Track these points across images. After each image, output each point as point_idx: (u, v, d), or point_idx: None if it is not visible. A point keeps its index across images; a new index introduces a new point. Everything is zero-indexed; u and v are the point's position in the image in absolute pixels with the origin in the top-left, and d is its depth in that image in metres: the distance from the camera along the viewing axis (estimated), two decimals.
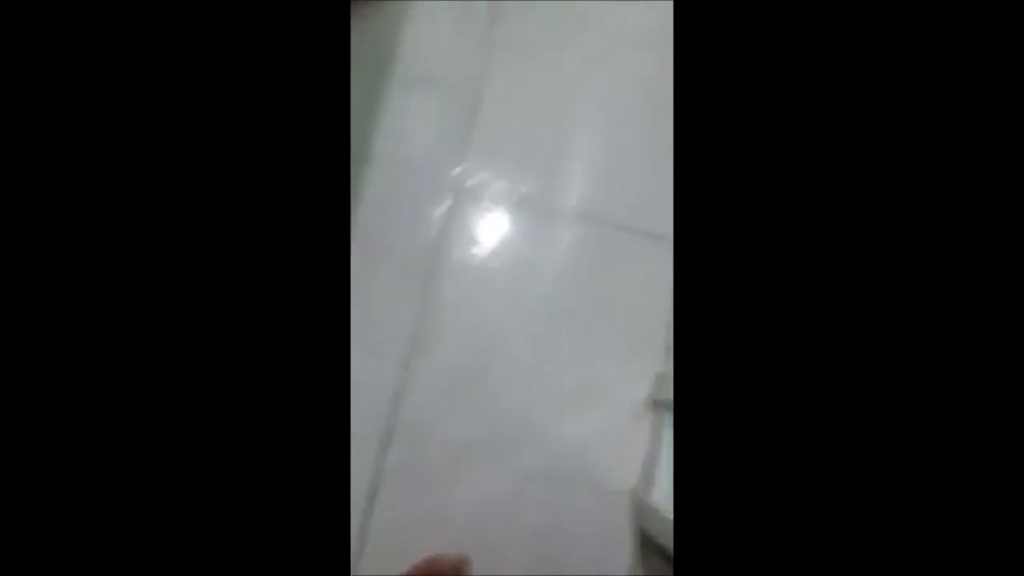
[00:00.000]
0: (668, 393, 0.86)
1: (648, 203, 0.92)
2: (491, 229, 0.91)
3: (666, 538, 0.76)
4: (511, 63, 0.93)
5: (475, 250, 0.90)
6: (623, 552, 0.89)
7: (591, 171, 0.93)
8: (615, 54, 0.95)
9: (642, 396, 0.91)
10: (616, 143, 0.94)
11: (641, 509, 0.87)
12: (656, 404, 0.90)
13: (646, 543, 0.86)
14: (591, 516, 0.89)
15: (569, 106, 0.94)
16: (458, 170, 0.91)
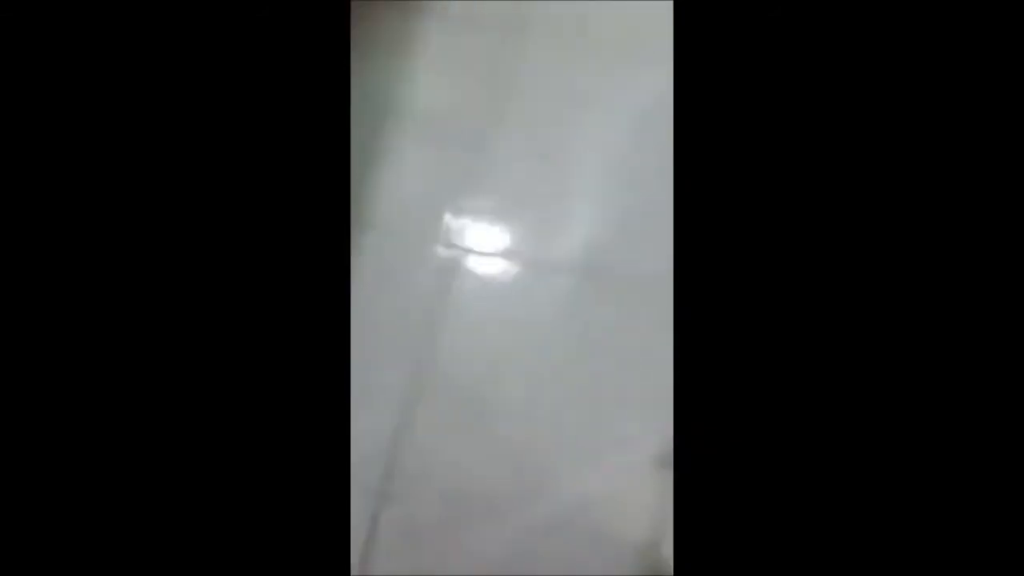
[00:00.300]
0: None
1: (653, 250, 0.91)
2: (492, 283, 0.92)
3: None
4: (514, 113, 0.94)
5: (475, 305, 0.91)
6: None
7: (595, 220, 0.93)
8: (620, 107, 0.95)
9: (653, 450, 0.90)
10: (620, 192, 0.93)
11: (653, 565, 0.84)
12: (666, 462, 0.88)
13: None
14: (599, 571, 0.87)
15: (572, 156, 0.94)
16: (457, 223, 0.93)
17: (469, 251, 0.92)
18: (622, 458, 0.90)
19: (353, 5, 0.42)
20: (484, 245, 0.93)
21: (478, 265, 0.93)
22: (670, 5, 0.86)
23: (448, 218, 0.93)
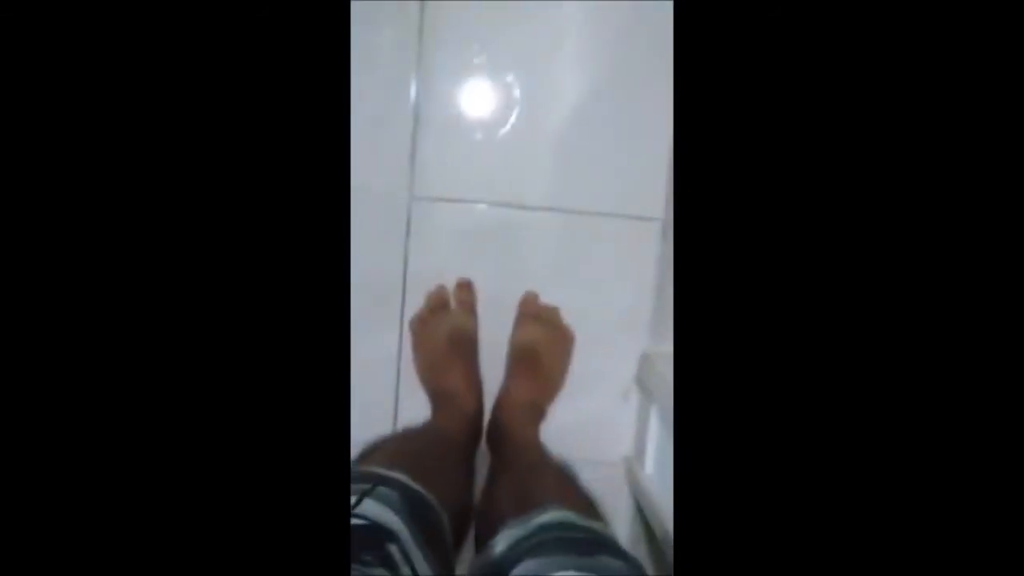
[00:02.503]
0: (652, 374, 0.89)
1: (620, 185, 0.93)
2: (458, 245, 0.92)
3: (655, 518, 0.80)
4: (449, 55, 0.90)
5: (445, 271, 0.92)
6: (623, 526, 0.94)
7: (549, 165, 0.92)
8: (566, 35, 0.93)
9: (630, 374, 0.95)
10: (578, 126, 0.91)
11: (634, 484, 0.91)
12: (641, 384, 0.93)
13: (643, 518, 0.91)
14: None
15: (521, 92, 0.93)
16: (407, 191, 0.91)
17: (427, 217, 0.92)
18: (604, 388, 0.95)
19: None
20: (443, 210, 0.92)
21: (440, 230, 0.92)
22: None
23: (397, 185, 0.92)
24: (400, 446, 0.64)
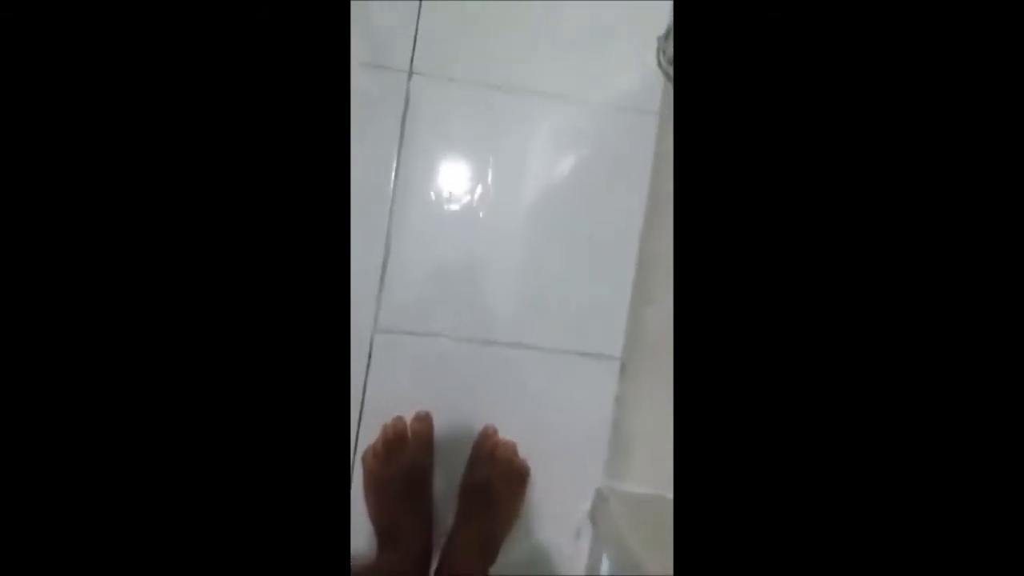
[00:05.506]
0: (605, 516, 0.89)
1: (581, 323, 0.94)
2: (418, 377, 0.92)
3: None
4: (421, 192, 0.94)
5: (403, 402, 0.91)
6: None
7: (513, 301, 0.94)
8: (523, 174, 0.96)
9: (584, 510, 0.94)
10: (542, 264, 0.94)
11: None
12: (594, 522, 0.92)
13: None
14: None
15: (478, 235, 0.95)
16: (372, 323, 0.91)
17: (388, 355, 0.92)
18: (556, 524, 0.94)
19: None
20: (405, 348, 0.92)
21: (401, 369, 0.92)
22: None
23: (362, 317, 0.92)
24: None
